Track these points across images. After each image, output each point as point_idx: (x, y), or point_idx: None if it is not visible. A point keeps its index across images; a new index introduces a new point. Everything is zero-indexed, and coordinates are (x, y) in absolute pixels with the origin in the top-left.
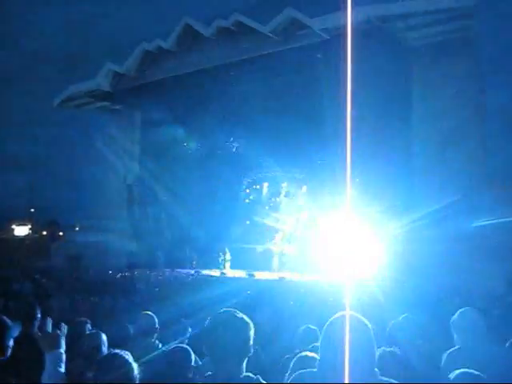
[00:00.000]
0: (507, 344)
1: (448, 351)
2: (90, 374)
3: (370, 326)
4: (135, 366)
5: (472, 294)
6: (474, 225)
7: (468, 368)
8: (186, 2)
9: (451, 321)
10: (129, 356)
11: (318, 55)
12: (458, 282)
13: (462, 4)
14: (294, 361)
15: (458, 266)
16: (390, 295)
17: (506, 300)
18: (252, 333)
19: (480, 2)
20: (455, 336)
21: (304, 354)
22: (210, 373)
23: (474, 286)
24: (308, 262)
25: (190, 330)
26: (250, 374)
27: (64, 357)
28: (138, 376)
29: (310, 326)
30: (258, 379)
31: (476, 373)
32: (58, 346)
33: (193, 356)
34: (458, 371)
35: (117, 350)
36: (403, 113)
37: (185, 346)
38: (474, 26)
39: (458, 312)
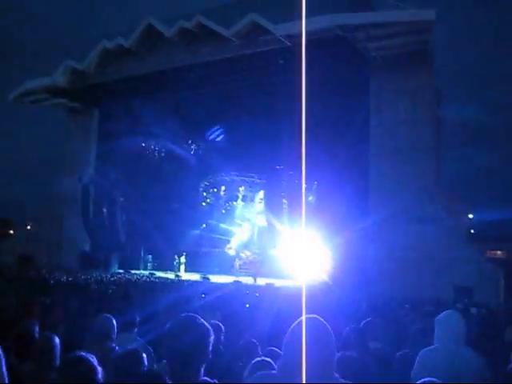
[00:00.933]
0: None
1: (424, 349)
2: (51, 376)
3: (330, 329)
4: (99, 369)
5: (421, 300)
6: (424, 231)
7: (444, 367)
8: (149, 2)
9: (436, 319)
10: (93, 359)
11: (280, 61)
12: (408, 287)
13: (422, 18)
14: (250, 366)
15: (409, 272)
16: (340, 300)
17: (454, 306)
18: (212, 339)
19: (438, 18)
20: (436, 334)
21: (260, 358)
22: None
23: (424, 292)
24: (263, 266)
25: (136, 334)
26: (208, 379)
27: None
28: (101, 379)
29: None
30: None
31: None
32: None
33: (145, 359)
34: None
35: (82, 353)
36: (360, 121)
37: (136, 349)
38: (432, 40)
39: (445, 312)
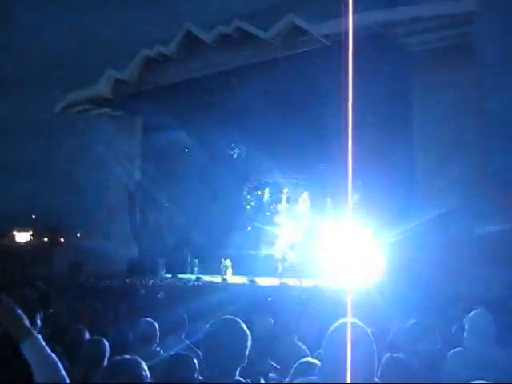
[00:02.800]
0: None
1: (453, 350)
2: (96, 380)
3: (370, 334)
4: (146, 369)
5: (473, 300)
6: (475, 231)
7: (472, 369)
8: (187, 9)
9: (464, 320)
10: (141, 362)
11: (319, 61)
12: (459, 288)
13: (462, 10)
14: (296, 365)
15: (459, 272)
16: (391, 301)
17: (506, 305)
18: (249, 343)
19: (481, 8)
20: (465, 335)
21: (307, 359)
22: (201, 378)
23: (475, 292)
24: (309, 267)
25: (184, 338)
26: (241, 379)
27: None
28: (148, 380)
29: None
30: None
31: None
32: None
33: (196, 362)
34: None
35: (126, 356)
36: (404, 118)
37: (187, 353)
38: (474, 31)
39: (473, 312)
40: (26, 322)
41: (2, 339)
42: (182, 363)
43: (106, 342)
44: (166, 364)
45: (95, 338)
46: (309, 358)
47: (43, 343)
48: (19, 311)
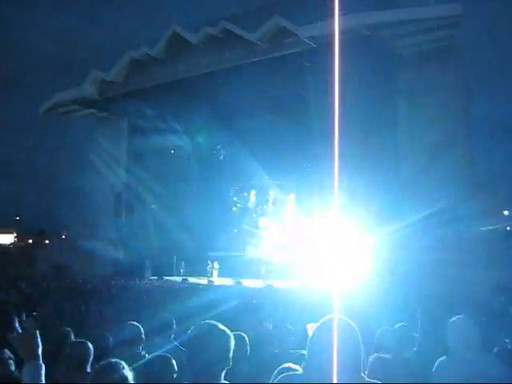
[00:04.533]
0: (495, 350)
1: (440, 359)
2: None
3: (356, 329)
4: (131, 374)
5: (458, 302)
6: (462, 233)
7: (458, 377)
8: (173, 10)
9: (447, 326)
10: (124, 365)
11: (306, 63)
12: (444, 289)
13: (448, 13)
14: (275, 373)
15: (445, 274)
16: (377, 302)
17: (491, 307)
18: (232, 345)
19: (466, 12)
20: (449, 342)
21: (287, 365)
22: (186, 383)
23: (460, 294)
24: (296, 269)
25: (173, 339)
26: (226, 382)
27: (43, 368)
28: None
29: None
30: None
31: None
32: (36, 356)
33: (175, 364)
34: None
35: (112, 360)
36: (391, 120)
37: (166, 354)
38: (460, 35)
39: (454, 319)
40: (39, 348)
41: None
42: (160, 364)
43: (90, 345)
44: (145, 366)
45: (79, 340)
46: (290, 364)
47: (42, 372)
48: (37, 335)
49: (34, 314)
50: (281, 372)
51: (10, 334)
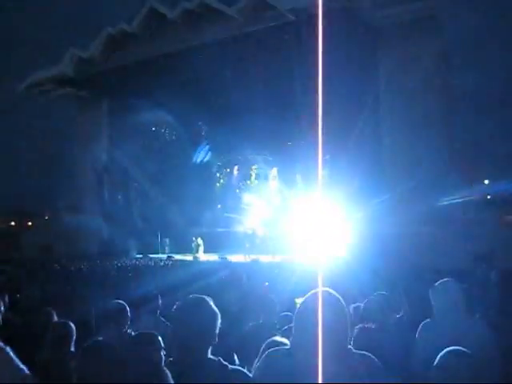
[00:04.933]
0: (477, 315)
1: (423, 322)
2: (68, 363)
3: (343, 302)
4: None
5: (440, 271)
6: (440, 204)
7: (444, 339)
8: None
9: (430, 290)
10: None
11: (286, 36)
12: (425, 260)
13: None
14: (263, 346)
15: (427, 246)
16: (360, 275)
17: (473, 275)
18: (219, 322)
19: None
20: (434, 305)
21: (274, 339)
22: (171, 359)
23: (443, 264)
24: (280, 243)
25: (159, 314)
26: (212, 357)
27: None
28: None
29: (287, 313)
30: (219, 360)
31: (464, 350)
32: None
33: (161, 341)
34: (446, 350)
35: (100, 339)
36: (372, 93)
37: (152, 331)
38: (438, 5)
39: (440, 282)
40: None
41: None
42: (146, 342)
43: (71, 325)
44: (131, 344)
45: (61, 320)
46: (277, 337)
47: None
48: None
49: (18, 295)
50: (268, 346)
51: None
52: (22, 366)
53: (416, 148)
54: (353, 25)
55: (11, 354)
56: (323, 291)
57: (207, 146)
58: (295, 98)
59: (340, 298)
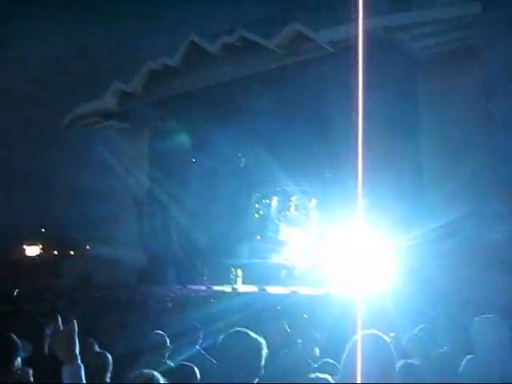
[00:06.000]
0: None
1: (467, 357)
2: None
3: (389, 343)
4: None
5: (482, 305)
6: (487, 236)
7: (485, 376)
8: (190, 20)
9: (472, 326)
10: (158, 376)
11: (324, 68)
12: (471, 294)
13: (466, 12)
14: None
15: (471, 279)
16: (402, 309)
17: None
18: (264, 352)
19: (483, 11)
20: (474, 341)
21: (315, 374)
22: None
23: (487, 298)
24: (319, 275)
25: (198, 347)
26: None
27: (82, 369)
28: None
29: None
30: None
31: None
32: (75, 357)
33: (198, 373)
34: None
35: (146, 370)
36: (411, 124)
37: (189, 363)
38: (477, 35)
39: (480, 317)
40: (77, 348)
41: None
42: (183, 373)
43: (108, 356)
44: (169, 374)
45: (98, 351)
46: (317, 374)
47: (82, 374)
48: (75, 337)
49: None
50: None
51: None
52: None
53: (459, 176)
54: (392, 56)
55: None
56: (370, 334)
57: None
58: (335, 128)
59: (386, 339)
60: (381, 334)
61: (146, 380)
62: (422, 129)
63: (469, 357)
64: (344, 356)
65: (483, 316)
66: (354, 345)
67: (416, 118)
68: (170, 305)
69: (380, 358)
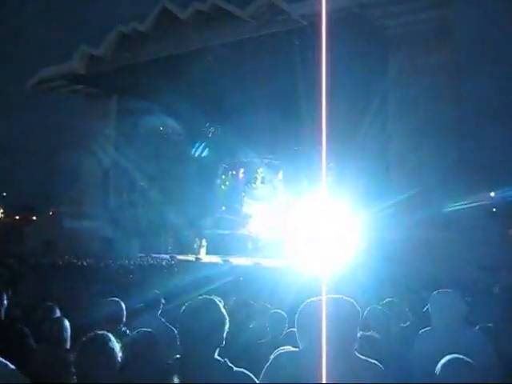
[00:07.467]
0: (476, 327)
1: (421, 331)
2: (63, 357)
3: (356, 307)
4: (117, 346)
5: (443, 280)
6: (448, 210)
7: (441, 348)
8: None
9: (430, 298)
10: (111, 337)
11: (296, 41)
12: (429, 268)
13: None
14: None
15: (431, 253)
16: (365, 281)
17: (476, 287)
18: (227, 326)
19: None
20: (432, 314)
21: (282, 350)
22: (178, 356)
23: (446, 272)
24: (283, 247)
25: (160, 316)
26: (219, 358)
27: None
28: (120, 356)
29: (277, 310)
30: (225, 362)
31: (466, 359)
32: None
33: (159, 341)
34: (446, 358)
35: (99, 331)
36: (379, 100)
37: (149, 330)
38: (450, 14)
39: (437, 292)
40: None
41: None
42: (144, 341)
43: (66, 322)
44: (130, 343)
45: (56, 317)
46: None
47: None
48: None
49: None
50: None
51: None
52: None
53: (422, 154)
54: (364, 32)
55: None
56: (336, 297)
57: (204, 143)
58: (302, 102)
59: (355, 303)
60: (347, 298)
61: (99, 339)
62: (389, 105)
63: (424, 330)
64: (302, 313)
65: (441, 290)
66: (318, 305)
67: (384, 94)
68: (131, 276)
69: (344, 320)
